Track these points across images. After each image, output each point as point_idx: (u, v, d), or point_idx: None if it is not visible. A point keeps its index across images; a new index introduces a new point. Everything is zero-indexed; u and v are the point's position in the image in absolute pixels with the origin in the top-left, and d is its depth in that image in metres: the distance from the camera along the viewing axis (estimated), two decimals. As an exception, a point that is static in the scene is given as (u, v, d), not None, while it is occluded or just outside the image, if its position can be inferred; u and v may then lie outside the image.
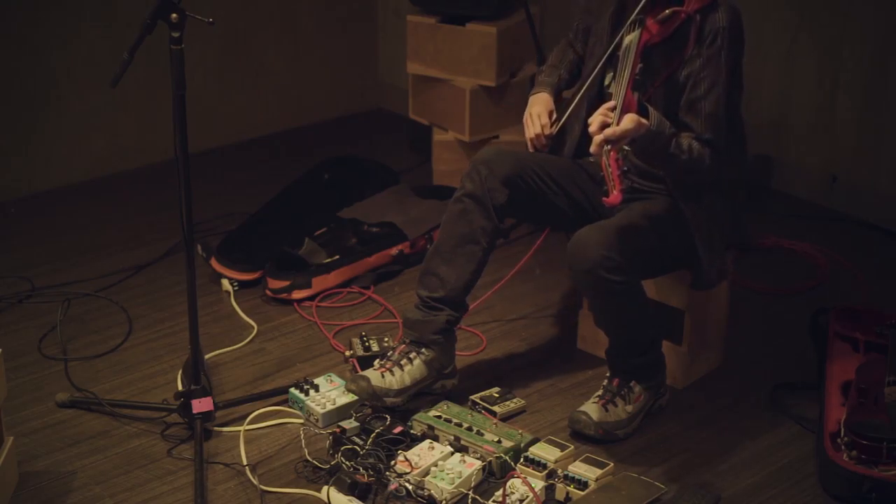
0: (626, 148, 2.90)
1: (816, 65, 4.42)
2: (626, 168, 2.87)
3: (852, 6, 4.29)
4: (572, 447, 3.06)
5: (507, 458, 3.00)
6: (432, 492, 2.92)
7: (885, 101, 4.29)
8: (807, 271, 4.06)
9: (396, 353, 3.25)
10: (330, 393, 3.28)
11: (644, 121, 2.89)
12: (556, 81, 3.41)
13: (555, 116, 3.32)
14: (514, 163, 3.25)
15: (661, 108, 3.04)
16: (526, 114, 3.34)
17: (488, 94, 4.53)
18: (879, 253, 4.21)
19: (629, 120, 2.86)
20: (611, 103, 2.94)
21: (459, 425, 3.13)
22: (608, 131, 2.84)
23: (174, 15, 2.86)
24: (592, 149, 2.88)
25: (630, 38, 3.07)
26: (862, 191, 4.40)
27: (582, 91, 3.26)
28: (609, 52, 3.16)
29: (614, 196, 2.83)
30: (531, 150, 3.32)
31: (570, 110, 3.26)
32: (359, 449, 3.01)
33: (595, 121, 2.88)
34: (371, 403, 3.19)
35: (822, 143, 4.50)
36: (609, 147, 2.85)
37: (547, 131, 3.28)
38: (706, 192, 3.14)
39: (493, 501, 2.90)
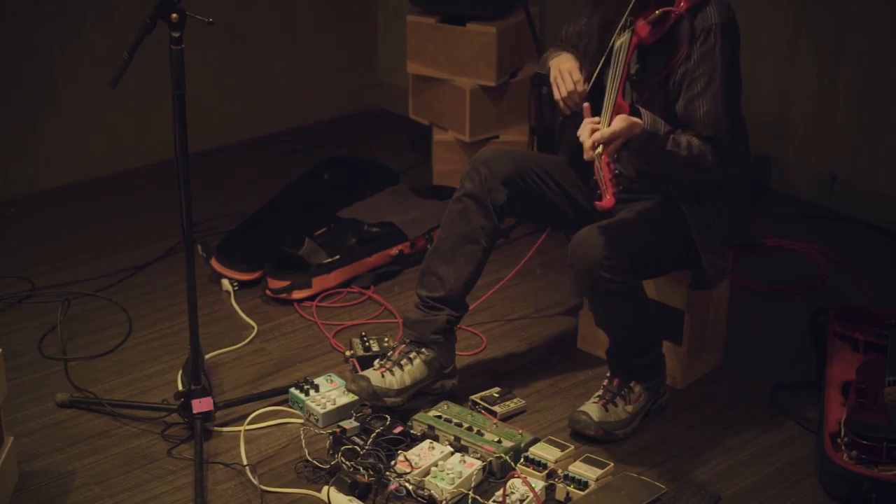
0: (623, 151, 2.90)
1: (816, 65, 4.42)
2: (617, 171, 2.86)
3: (852, 6, 4.29)
4: (572, 447, 3.06)
5: (507, 458, 3.00)
6: (432, 492, 2.92)
7: (885, 102, 4.29)
8: (807, 271, 4.06)
9: (396, 353, 3.25)
10: (330, 393, 3.28)
11: (637, 120, 2.88)
12: (569, 49, 3.30)
13: (584, 73, 3.18)
14: (514, 163, 3.26)
15: (660, 109, 3.03)
16: (554, 71, 3.22)
17: (488, 94, 4.53)
18: (879, 253, 4.21)
19: (620, 120, 2.86)
20: (587, 106, 2.93)
21: (459, 425, 3.13)
22: (597, 134, 2.84)
23: (174, 15, 2.86)
24: (585, 155, 2.89)
25: (620, 42, 3.06)
26: (862, 191, 4.40)
27: (599, 67, 3.16)
28: (604, 56, 3.15)
29: (607, 200, 2.83)
30: (564, 110, 3.19)
31: (597, 71, 3.12)
32: (359, 449, 3.01)
33: (584, 130, 2.88)
34: (371, 403, 3.19)
35: (822, 143, 4.50)
36: (601, 150, 2.84)
37: (580, 87, 3.17)
38: (706, 192, 3.14)
39: (494, 501, 2.90)
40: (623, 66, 3.02)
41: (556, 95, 3.20)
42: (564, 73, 3.18)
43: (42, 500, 2.97)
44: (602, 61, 3.15)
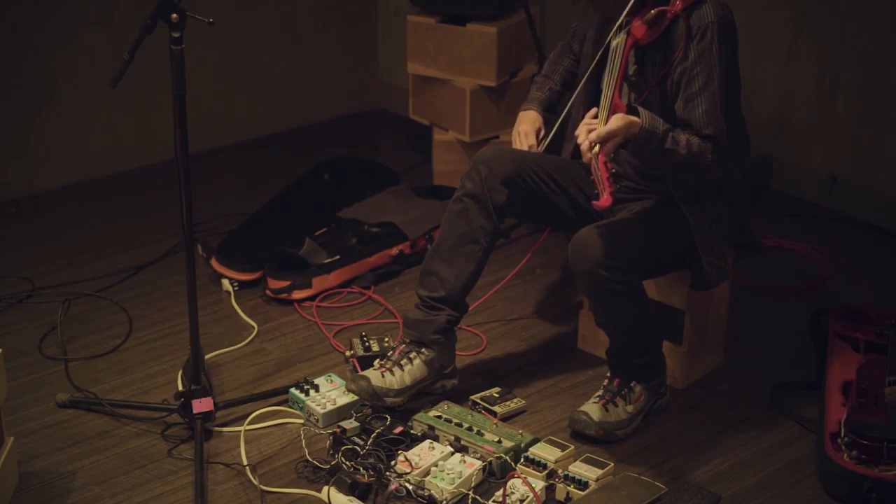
0: (623, 151, 2.91)
1: (816, 65, 4.43)
2: (614, 171, 2.86)
3: (852, 6, 4.30)
4: (572, 447, 3.07)
5: (507, 458, 3.00)
6: (432, 492, 2.92)
7: (885, 101, 4.29)
8: (807, 271, 4.06)
9: (396, 353, 3.25)
10: (330, 393, 3.28)
11: (634, 119, 2.89)
12: (545, 95, 3.46)
13: (542, 133, 3.36)
14: (514, 163, 3.26)
15: (659, 109, 3.03)
16: (514, 131, 3.39)
17: (488, 94, 4.53)
18: (879, 253, 4.21)
19: (617, 119, 2.87)
20: (593, 111, 2.95)
21: (460, 425, 3.13)
22: (593, 133, 2.85)
23: (174, 15, 2.86)
24: (583, 157, 2.90)
25: (617, 42, 3.07)
26: (862, 191, 4.40)
27: (574, 97, 3.26)
28: (598, 56, 3.16)
29: (604, 199, 2.83)
30: None
31: (556, 126, 3.30)
32: (359, 449, 3.01)
33: (581, 130, 2.89)
34: (371, 403, 3.19)
35: (822, 143, 4.50)
36: (597, 150, 2.85)
37: (535, 150, 3.31)
38: (707, 192, 3.14)
39: (494, 501, 2.90)
40: (619, 66, 3.03)
41: None
42: (522, 135, 3.38)
43: (43, 500, 2.97)
44: (596, 61, 3.16)
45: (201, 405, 3.12)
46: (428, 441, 3.07)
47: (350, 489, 2.89)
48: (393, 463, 2.99)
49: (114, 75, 2.91)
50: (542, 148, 3.34)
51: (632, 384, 3.20)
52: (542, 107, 3.44)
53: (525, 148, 3.34)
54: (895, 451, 2.92)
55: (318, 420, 3.22)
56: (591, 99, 3.21)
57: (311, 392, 3.28)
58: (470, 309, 3.38)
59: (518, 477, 2.91)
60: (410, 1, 4.64)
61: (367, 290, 3.94)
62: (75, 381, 3.43)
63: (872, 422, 2.99)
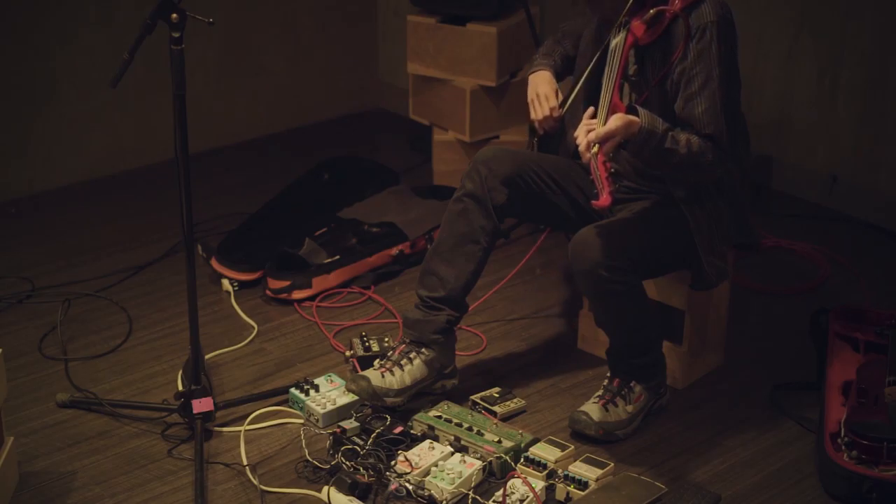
0: (622, 151, 2.90)
1: (816, 65, 4.43)
2: (614, 170, 2.86)
3: (852, 6, 4.30)
4: (572, 447, 3.07)
5: (507, 458, 3.00)
6: (432, 492, 2.92)
7: (886, 101, 4.29)
8: (807, 271, 4.06)
9: (396, 353, 3.25)
10: (330, 393, 3.28)
11: (634, 118, 2.89)
12: (552, 63, 3.39)
13: (561, 97, 3.28)
14: (514, 163, 3.26)
15: (659, 109, 3.03)
16: (531, 94, 3.31)
17: (488, 94, 4.53)
18: (879, 253, 4.21)
19: (616, 119, 2.87)
20: (591, 110, 2.95)
21: (460, 425, 3.13)
22: (592, 134, 2.85)
23: (174, 15, 2.86)
24: (582, 157, 2.89)
25: (616, 41, 3.07)
26: (862, 191, 4.40)
27: (579, 86, 3.24)
28: (598, 55, 3.16)
29: (604, 199, 2.83)
30: (539, 131, 3.31)
31: (574, 93, 3.22)
32: (359, 449, 3.01)
33: (580, 131, 2.89)
34: (371, 403, 3.19)
35: (822, 143, 4.50)
36: (596, 150, 2.85)
37: (556, 114, 3.26)
38: (707, 192, 3.14)
39: (494, 501, 2.90)
40: (618, 66, 3.02)
41: (532, 116, 3.28)
42: (541, 97, 3.27)
43: (43, 501, 2.97)
44: (595, 60, 3.16)
45: (201, 405, 3.12)
46: (428, 441, 3.07)
47: (350, 489, 2.89)
48: (393, 463, 2.99)
49: (114, 75, 2.91)
50: (563, 111, 3.24)
51: (632, 384, 3.20)
52: (553, 71, 3.37)
53: (546, 112, 3.25)
54: (895, 451, 2.92)
55: (318, 420, 3.22)
56: (591, 99, 3.21)
57: (311, 392, 3.28)
58: (470, 309, 3.38)
59: (518, 477, 2.91)
60: (410, 1, 4.64)
61: (367, 290, 3.94)
62: (75, 381, 3.43)
63: (872, 422, 2.99)
